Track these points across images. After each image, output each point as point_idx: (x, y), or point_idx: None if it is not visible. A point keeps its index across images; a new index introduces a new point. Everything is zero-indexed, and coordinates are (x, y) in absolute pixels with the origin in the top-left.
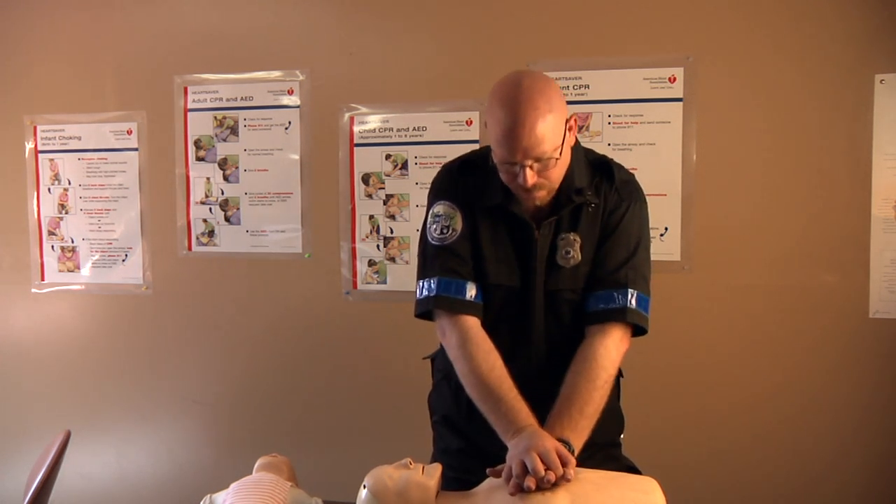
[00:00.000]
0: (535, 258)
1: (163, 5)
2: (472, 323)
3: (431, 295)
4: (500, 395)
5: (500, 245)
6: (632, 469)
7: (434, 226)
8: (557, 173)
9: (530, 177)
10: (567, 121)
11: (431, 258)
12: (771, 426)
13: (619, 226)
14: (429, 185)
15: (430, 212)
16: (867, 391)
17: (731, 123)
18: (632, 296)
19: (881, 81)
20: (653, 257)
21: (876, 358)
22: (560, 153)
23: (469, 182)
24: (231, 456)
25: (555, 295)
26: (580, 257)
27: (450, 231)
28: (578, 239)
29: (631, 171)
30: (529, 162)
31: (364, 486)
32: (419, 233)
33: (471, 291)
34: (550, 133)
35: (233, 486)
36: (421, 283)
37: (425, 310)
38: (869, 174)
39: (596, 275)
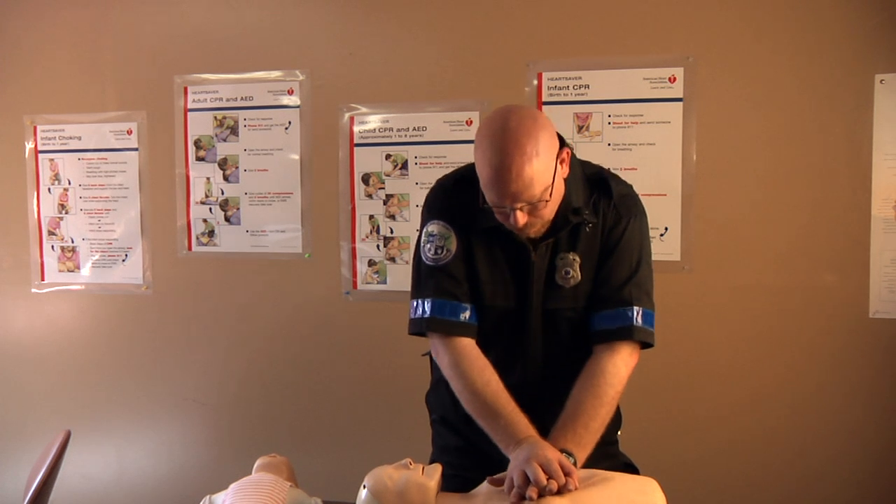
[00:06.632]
0: (532, 279)
1: (163, 5)
2: (466, 343)
3: (425, 317)
4: (497, 409)
5: (496, 267)
6: (629, 465)
7: (428, 245)
8: (549, 211)
9: (521, 218)
10: (558, 155)
11: (426, 278)
12: (770, 426)
13: (619, 243)
14: (429, 186)
15: (424, 230)
16: (867, 391)
17: (731, 123)
18: (637, 313)
19: (881, 81)
20: (653, 257)
21: (875, 358)
22: (551, 194)
23: (464, 201)
24: (231, 456)
25: (554, 313)
26: (580, 276)
27: (444, 251)
28: (578, 258)
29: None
30: (519, 205)
31: (364, 486)
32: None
33: (465, 313)
34: (540, 175)
35: (232, 486)
36: (414, 303)
37: (419, 330)
38: (869, 174)
39: (599, 294)
